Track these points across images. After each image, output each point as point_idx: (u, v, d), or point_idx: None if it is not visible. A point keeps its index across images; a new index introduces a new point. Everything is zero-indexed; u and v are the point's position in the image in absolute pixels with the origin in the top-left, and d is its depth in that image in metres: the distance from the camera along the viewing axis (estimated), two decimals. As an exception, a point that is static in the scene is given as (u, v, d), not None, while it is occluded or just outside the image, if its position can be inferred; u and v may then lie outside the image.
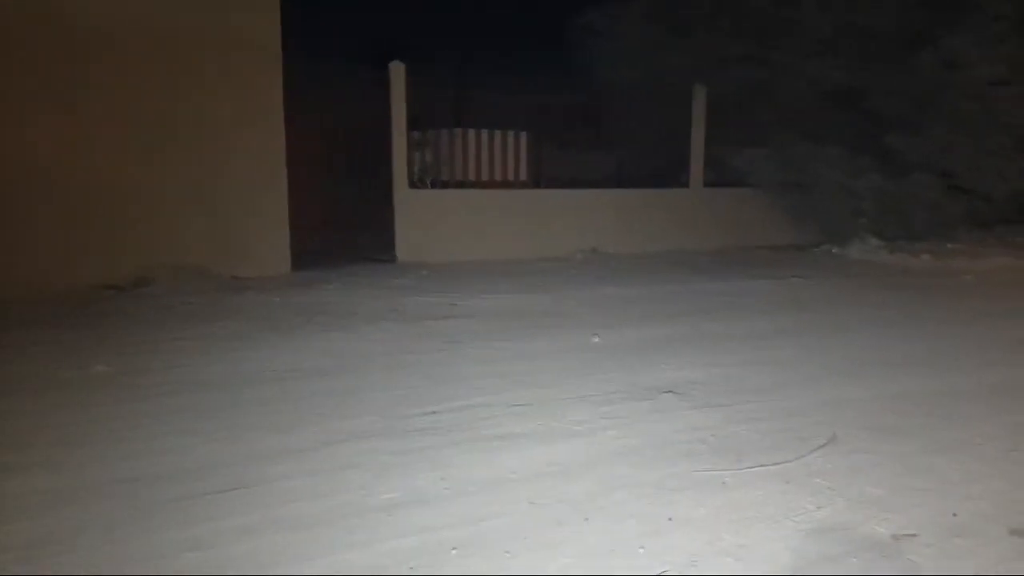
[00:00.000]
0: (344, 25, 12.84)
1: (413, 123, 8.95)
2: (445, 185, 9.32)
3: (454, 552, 2.19)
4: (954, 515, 2.41)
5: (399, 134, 8.77)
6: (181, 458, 2.89)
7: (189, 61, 7.06)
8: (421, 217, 8.93)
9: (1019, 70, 8.93)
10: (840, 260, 9.46)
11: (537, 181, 9.92)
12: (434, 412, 3.41)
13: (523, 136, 9.87)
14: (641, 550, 2.19)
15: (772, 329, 5.28)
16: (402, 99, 8.74)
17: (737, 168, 9.98)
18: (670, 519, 2.37)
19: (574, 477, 2.69)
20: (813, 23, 9.34)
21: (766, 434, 3.13)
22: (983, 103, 9.15)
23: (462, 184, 9.43)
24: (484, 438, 3.08)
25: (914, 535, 2.27)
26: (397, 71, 8.70)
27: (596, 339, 4.96)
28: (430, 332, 5.11)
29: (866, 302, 6.55)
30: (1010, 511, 2.44)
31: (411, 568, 2.10)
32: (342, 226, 8.82)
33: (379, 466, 2.81)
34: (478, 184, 9.49)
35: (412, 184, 9.00)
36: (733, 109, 10.08)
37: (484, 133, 9.51)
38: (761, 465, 2.78)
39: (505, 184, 9.68)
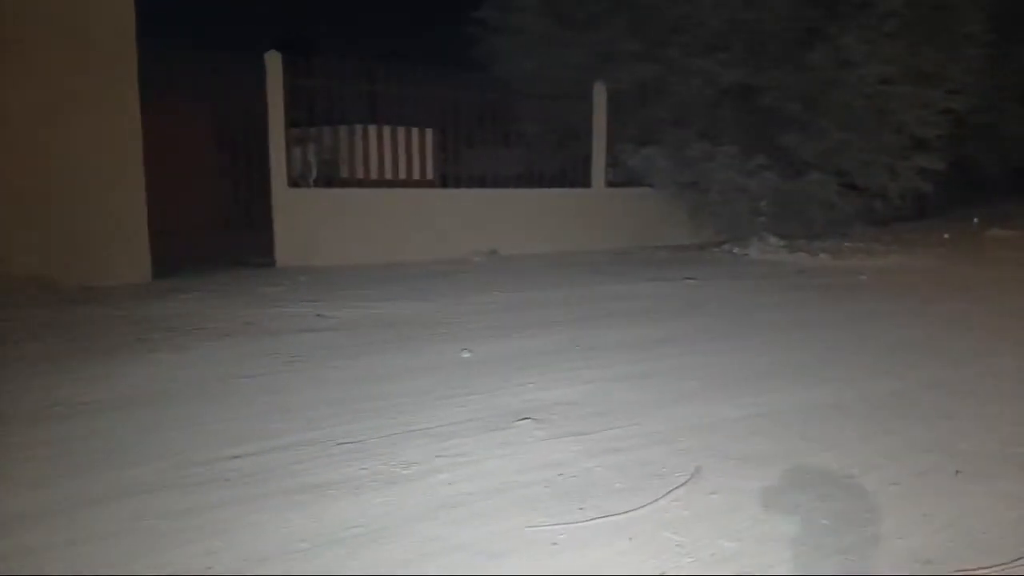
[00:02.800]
0: (227, 11, 12.01)
1: (302, 118, 8.32)
2: (337, 183, 8.70)
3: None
4: (818, 576, 2.03)
5: (276, 129, 8.11)
6: None
7: (22, 41, 6.24)
8: (304, 218, 8.27)
9: (908, 68, 8.97)
10: (739, 260, 9.30)
11: (444, 180, 9.43)
12: (240, 456, 2.85)
13: (428, 133, 9.36)
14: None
15: (656, 337, 4.93)
16: (279, 91, 8.09)
17: (634, 168, 9.73)
18: (480, 601, 1.91)
19: (380, 543, 2.19)
20: (707, 20, 9.14)
21: (622, 470, 2.72)
22: (874, 101, 9.15)
23: (357, 183, 8.84)
24: (288, 490, 2.55)
25: (768, 610, 1.88)
26: (273, 61, 8.05)
27: (466, 354, 4.49)
28: (280, 349, 4.52)
29: (759, 304, 6.31)
30: (885, 567, 2.09)
31: None
32: (216, 228, 8.10)
33: (141, 536, 2.25)
34: (373, 183, 8.91)
35: (294, 183, 8.35)
36: (631, 107, 9.82)
37: (385, 129, 8.96)
38: (605, 515, 2.35)
39: (407, 183, 9.14)
